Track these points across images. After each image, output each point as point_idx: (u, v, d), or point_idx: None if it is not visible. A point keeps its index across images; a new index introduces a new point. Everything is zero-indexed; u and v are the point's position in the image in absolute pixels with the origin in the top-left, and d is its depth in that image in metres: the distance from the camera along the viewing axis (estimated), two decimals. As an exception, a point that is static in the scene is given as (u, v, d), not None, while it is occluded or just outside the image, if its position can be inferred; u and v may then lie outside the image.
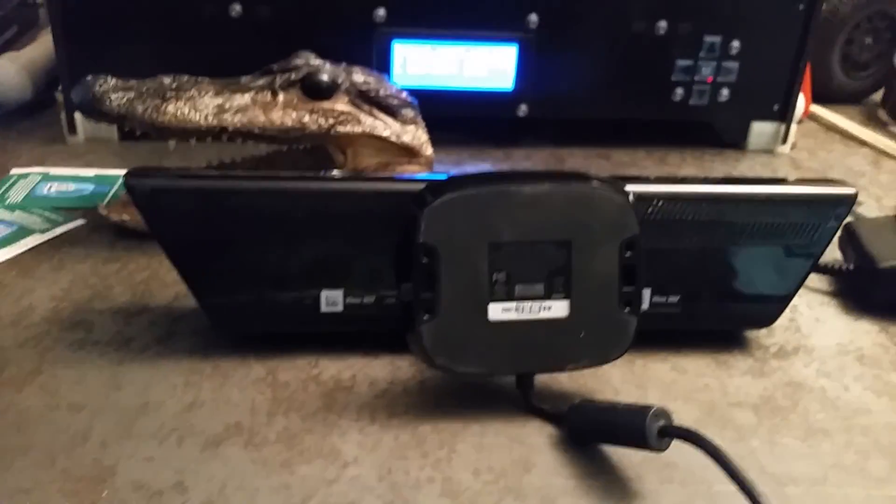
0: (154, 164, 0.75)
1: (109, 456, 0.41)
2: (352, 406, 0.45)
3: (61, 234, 0.62)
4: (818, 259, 0.51)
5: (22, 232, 0.62)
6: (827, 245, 0.50)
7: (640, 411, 0.39)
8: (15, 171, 0.72)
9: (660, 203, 0.47)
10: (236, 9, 0.74)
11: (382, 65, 0.77)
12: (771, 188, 0.49)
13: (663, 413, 0.39)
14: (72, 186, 0.70)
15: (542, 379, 0.47)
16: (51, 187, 0.70)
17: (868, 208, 0.75)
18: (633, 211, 0.43)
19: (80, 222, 0.64)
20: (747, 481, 0.34)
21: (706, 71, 0.82)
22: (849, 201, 0.50)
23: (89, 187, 0.70)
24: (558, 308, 0.43)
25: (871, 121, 1.02)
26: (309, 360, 0.48)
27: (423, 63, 0.78)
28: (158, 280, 0.56)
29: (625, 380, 0.49)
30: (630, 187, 0.45)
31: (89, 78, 0.56)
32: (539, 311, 0.43)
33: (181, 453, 0.41)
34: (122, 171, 0.72)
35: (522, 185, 0.42)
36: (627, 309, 0.44)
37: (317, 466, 0.40)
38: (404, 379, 0.47)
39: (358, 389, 0.46)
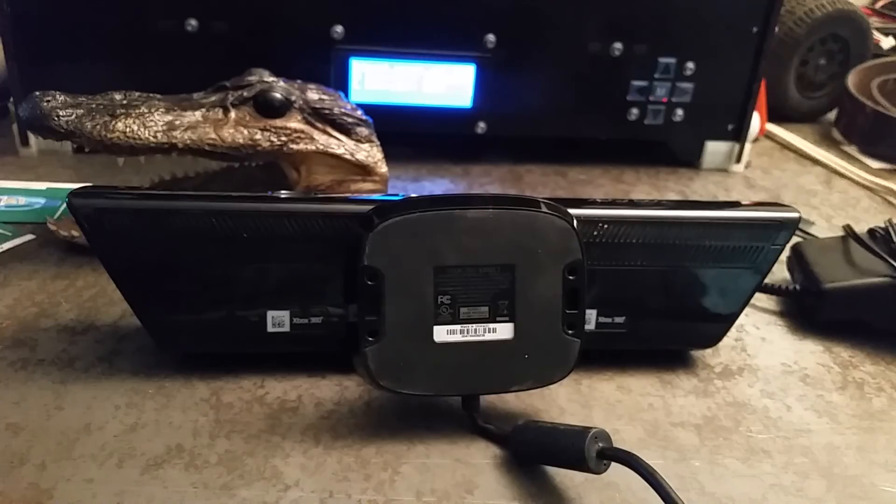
0: (107, 177, 0.74)
1: (47, 478, 0.40)
2: (296, 427, 0.45)
3: (9, 249, 0.61)
4: (762, 281, 0.52)
5: (-32, 247, 0.61)
6: (771, 267, 0.51)
7: (580, 434, 0.40)
8: (-36, 184, 0.71)
9: (605, 226, 0.48)
10: (192, 24, 0.74)
11: (340, 81, 0.77)
12: (714, 212, 0.50)
13: (602, 435, 0.40)
14: (22, 200, 0.69)
15: (489, 399, 0.47)
16: (0, 200, 0.69)
17: (819, 228, 0.76)
18: (576, 236, 0.43)
19: (28, 237, 0.63)
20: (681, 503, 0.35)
21: (661, 91, 0.83)
22: (792, 225, 0.51)
23: (40, 201, 0.69)
24: (503, 330, 0.44)
25: (825, 139, 1.04)
26: (254, 380, 0.48)
27: (381, 80, 0.79)
28: (106, 297, 0.56)
29: (571, 399, 0.49)
30: (575, 211, 0.45)
31: (37, 94, 0.56)
32: (484, 333, 0.43)
33: (121, 475, 0.41)
34: (75, 185, 0.72)
35: (467, 210, 0.42)
36: (571, 332, 0.44)
37: (257, 489, 0.40)
38: (351, 399, 0.47)
39: (303, 410, 0.46)
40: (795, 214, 0.51)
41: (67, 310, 0.54)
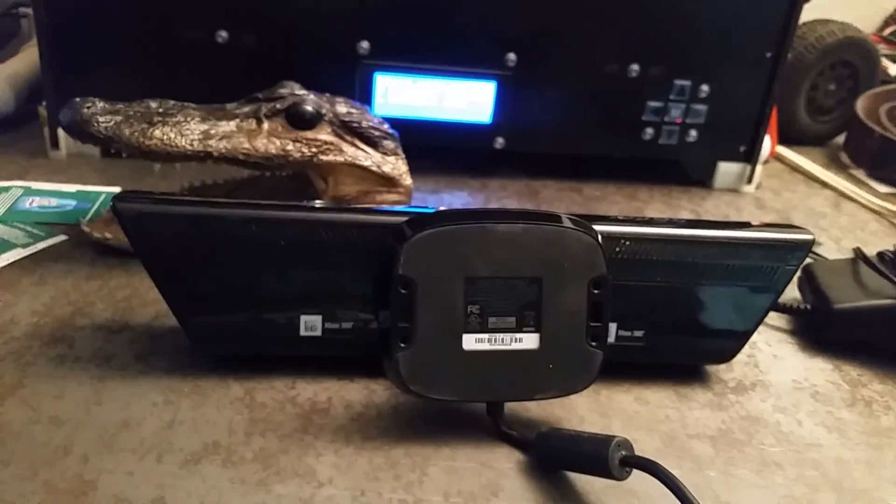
0: (135, 181, 0.76)
1: (90, 470, 0.42)
2: (327, 428, 0.46)
3: (43, 249, 0.63)
4: (776, 299, 0.54)
5: (4, 246, 0.63)
6: (785, 286, 0.53)
7: (604, 441, 0.41)
8: (-3, 184, 0.73)
9: (626, 243, 0.50)
10: (222, 35, 0.76)
11: (365, 95, 0.79)
12: (732, 232, 0.52)
13: (625, 444, 0.41)
14: (54, 201, 0.71)
15: (511, 407, 0.49)
16: (32, 202, 0.71)
17: (827, 249, 0.78)
18: (601, 251, 0.45)
19: (61, 238, 0.65)
20: (701, 510, 0.37)
21: (675, 112, 0.85)
22: (806, 246, 0.53)
23: (71, 203, 0.71)
24: (529, 340, 0.45)
25: (834, 163, 1.06)
26: (286, 381, 0.50)
27: (404, 94, 0.81)
28: (139, 298, 0.58)
29: (590, 409, 0.51)
30: (598, 227, 0.47)
31: (77, 100, 0.58)
32: (511, 342, 0.45)
33: (161, 469, 0.42)
34: (105, 188, 0.74)
35: (498, 224, 0.44)
36: (594, 343, 0.46)
37: (292, 486, 0.42)
38: (379, 403, 0.49)
39: (334, 412, 0.48)
40: (810, 236, 0.53)
41: (102, 309, 0.56)
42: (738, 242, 0.51)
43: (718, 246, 0.51)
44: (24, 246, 0.63)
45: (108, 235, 0.62)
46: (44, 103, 0.79)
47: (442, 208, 0.49)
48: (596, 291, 0.46)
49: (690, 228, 0.52)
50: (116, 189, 0.74)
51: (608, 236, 0.49)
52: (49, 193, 0.73)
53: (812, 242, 0.53)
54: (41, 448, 0.43)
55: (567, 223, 0.45)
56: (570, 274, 0.45)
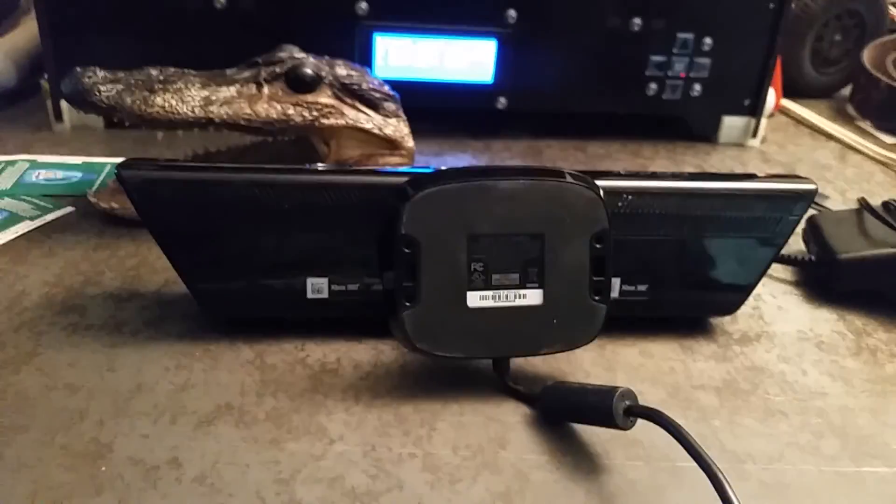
0: (139, 151, 0.76)
1: (106, 433, 0.43)
2: (337, 387, 0.47)
3: (51, 221, 0.64)
4: (780, 251, 0.54)
5: (13, 219, 0.63)
6: (788, 238, 0.53)
7: (608, 392, 0.42)
8: (2, 158, 0.74)
9: (629, 197, 0.50)
10: (221, 1, 0.75)
11: (364, 57, 0.79)
12: (734, 184, 0.52)
13: (629, 394, 0.42)
14: (59, 174, 0.72)
15: (517, 362, 0.49)
16: (39, 175, 0.71)
17: (833, 201, 0.78)
18: (603, 206, 0.45)
19: (69, 209, 0.66)
20: (705, 457, 0.37)
21: (679, 66, 0.84)
22: (809, 196, 0.53)
23: (77, 175, 0.72)
24: (532, 296, 0.46)
25: (840, 115, 1.05)
26: (295, 343, 0.50)
27: (404, 56, 0.80)
28: (148, 266, 0.58)
29: (595, 363, 0.51)
30: (600, 183, 0.47)
31: (78, 70, 0.58)
32: (514, 299, 0.46)
33: (175, 431, 0.43)
34: (109, 159, 0.74)
35: (499, 181, 0.44)
36: (597, 298, 0.46)
37: (304, 443, 0.43)
38: (387, 362, 0.50)
39: (343, 372, 0.49)
40: (812, 186, 0.53)
41: (112, 278, 0.57)
42: (741, 194, 0.52)
43: (721, 198, 0.51)
44: (33, 218, 0.64)
45: (114, 205, 0.62)
46: (46, 77, 0.79)
47: (444, 167, 0.49)
48: (598, 246, 0.46)
49: (692, 181, 0.52)
50: (121, 160, 0.74)
51: (610, 191, 0.49)
52: (54, 166, 0.73)
53: (815, 192, 0.53)
54: (58, 413, 0.44)
55: (569, 178, 0.45)
56: (572, 229, 0.45)
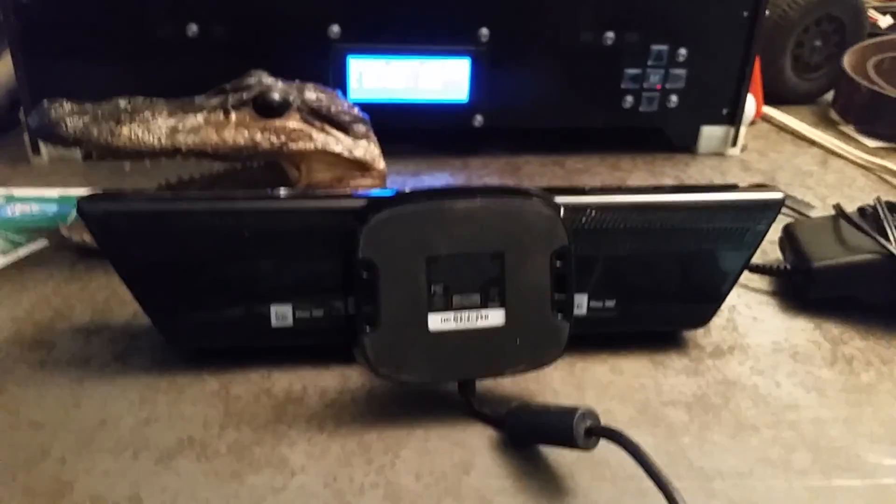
0: (116, 181, 0.76)
1: (68, 471, 0.42)
2: (301, 417, 0.47)
3: (25, 256, 0.64)
4: (749, 261, 0.53)
5: (-15, 254, 0.63)
6: (756, 247, 0.53)
7: (569, 413, 0.41)
8: (-21, 193, 0.74)
9: (592, 213, 0.49)
10: (193, 29, 0.76)
11: (338, 80, 0.79)
12: (699, 196, 0.51)
13: (590, 414, 0.41)
14: (35, 207, 0.72)
15: (486, 383, 0.49)
16: (14, 209, 0.71)
17: (815, 209, 0.77)
18: (562, 223, 0.45)
19: (43, 243, 0.66)
20: (663, 477, 0.37)
21: (654, 79, 0.84)
22: (776, 206, 0.52)
23: (53, 208, 0.72)
24: (495, 316, 0.45)
25: (823, 120, 1.05)
26: (261, 373, 0.50)
27: (378, 77, 0.80)
28: (118, 298, 0.58)
29: (565, 382, 0.51)
30: (562, 199, 0.47)
31: (45, 103, 0.58)
32: (476, 319, 0.45)
33: (136, 467, 0.43)
34: (86, 191, 0.74)
35: (456, 202, 0.44)
36: (560, 315, 0.46)
37: (265, 476, 0.42)
38: (353, 388, 0.49)
39: (308, 400, 0.48)
40: (780, 195, 0.52)
41: (82, 311, 0.57)
42: (706, 206, 0.51)
43: (686, 210, 0.51)
44: (5, 253, 0.64)
45: (86, 238, 0.62)
46: (22, 109, 0.79)
47: (405, 189, 0.49)
48: (559, 263, 0.46)
49: (656, 194, 0.51)
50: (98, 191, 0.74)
51: (573, 207, 0.49)
52: (31, 199, 0.73)
53: (782, 201, 0.52)
54: (20, 452, 0.44)
55: (526, 196, 0.45)
56: (531, 247, 0.45)
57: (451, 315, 0.45)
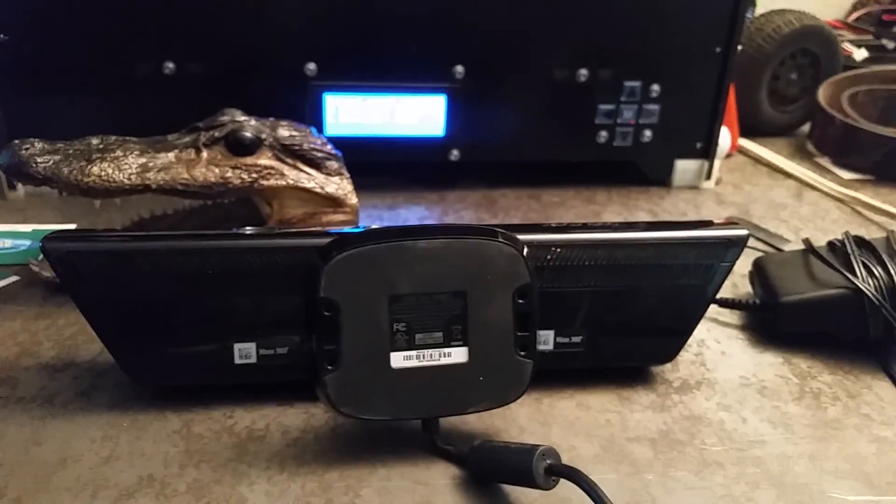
0: (92, 217, 0.76)
1: (24, 512, 0.42)
2: (262, 455, 0.47)
3: (-5, 291, 0.64)
4: (714, 297, 0.53)
5: (-46, 291, 0.63)
6: (721, 283, 0.53)
7: (529, 451, 0.41)
8: (-48, 229, 0.74)
9: (557, 250, 0.50)
10: (169, 66, 0.76)
11: (315, 116, 0.80)
12: (662, 233, 0.52)
13: (550, 452, 0.41)
14: (9, 242, 0.72)
15: (451, 420, 0.49)
16: (-13, 244, 0.71)
17: (790, 243, 0.78)
18: (524, 261, 0.45)
19: (13, 279, 0.65)
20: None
21: (628, 114, 0.85)
22: (741, 242, 0.53)
23: (26, 243, 0.72)
24: (457, 354, 0.45)
25: (800, 152, 1.06)
26: (224, 410, 0.50)
27: (354, 113, 0.81)
28: (86, 335, 0.58)
29: (531, 418, 0.51)
30: (526, 237, 0.47)
31: (16, 142, 0.58)
32: (439, 357, 0.45)
33: (94, 507, 0.43)
34: (60, 227, 0.74)
35: (417, 241, 0.44)
36: (523, 353, 0.46)
37: (223, 516, 0.42)
38: (317, 426, 0.49)
39: (270, 439, 0.48)
40: (743, 232, 0.53)
41: (48, 348, 0.56)
42: (670, 243, 0.52)
43: (650, 247, 0.51)
44: (-24, 289, 0.64)
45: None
46: (-1, 145, 0.80)
47: (371, 227, 0.49)
48: (521, 301, 0.46)
49: (621, 232, 0.52)
50: (73, 227, 0.74)
51: (538, 244, 0.49)
52: (4, 234, 0.73)
53: (746, 238, 0.53)
54: (-24, 492, 0.43)
55: (488, 236, 0.45)
56: (493, 285, 0.45)
57: (413, 353, 0.45)
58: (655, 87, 0.85)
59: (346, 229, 0.50)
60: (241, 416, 0.50)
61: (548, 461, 0.41)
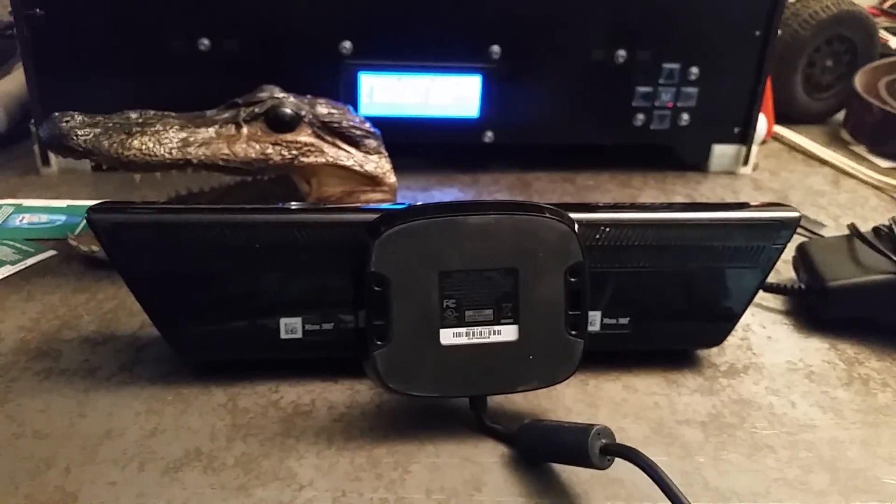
0: (125, 193, 0.76)
1: (72, 482, 0.42)
2: (310, 430, 0.46)
3: (32, 265, 0.63)
4: (764, 280, 0.53)
5: (-7, 264, 0.63)
6: (772, 267, 0.52)
7: (584, 430, 0.41)
8: (-12, 203, 0.74)
9: (607, 230, 0.49)
10: (205, 43, 0.76)
11: (349, 95, 0.79)
12: (714, 214, 0.51)
13: (605, 432, 0.41)
14: (44, 217, 0.71)
15: (496, 399, 0.48)
16: (23, 219, 0.71)
17: (827, 228, 0.77)
18: (576, 239, 0.45)
19: (51, 253, 0.65)
20: (681, 497, 0.36)
21: (666, 97, 0.84)
22: (792, 224, 0.52)
23: (61, 218, 0.71)
24: (507, 332, 0.45)
25: (835, 140, 1.04)
26: (269, 385, 0.50)
27: (389, 93, 0.80)
28: (125, 309, 0.58)
29: (577, 399, 0.50)
30: (576, 215, 0.46)
31: (56, 115, 0.58)
32: (489, 335, 0.45)
33: (142, 478, 0.42)
34: (94, 202, 0.74)
35: (469, 216, 0.44)
36: (574, 332, 0.45)
37: (273, 489, 0.42)
38: (362, 403, 0.49)
39: (316, 414, 0.48)
40: (796, 214, 0.52)
41: (89, 322, 0.56)
42: (722, 224, 0.51)
43: (702, 228, 0.50)
44: (13, 263, 0.63)
45: (94, 248, 0.62)
46: (33, 121, 0.79)
47: (417, 203, 0.48)
48: (573, 279, 0.45)
49: (671, 212, 0.51)
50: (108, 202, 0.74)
51: (587, 223, 0.48)
52: (39, 210, 0.73)
53: (798, 220, 0.52)
54: (24, 462, 0.43)
55: (540, 212, 0.45)
56: (545, 263, 0.45)
57: (463, 330, 0.44)
58: (694, 70, 0.83)
59: (397, 205, 0.49)
60: (286, 391, 0.49)
61: (603, 440, 0.40)
